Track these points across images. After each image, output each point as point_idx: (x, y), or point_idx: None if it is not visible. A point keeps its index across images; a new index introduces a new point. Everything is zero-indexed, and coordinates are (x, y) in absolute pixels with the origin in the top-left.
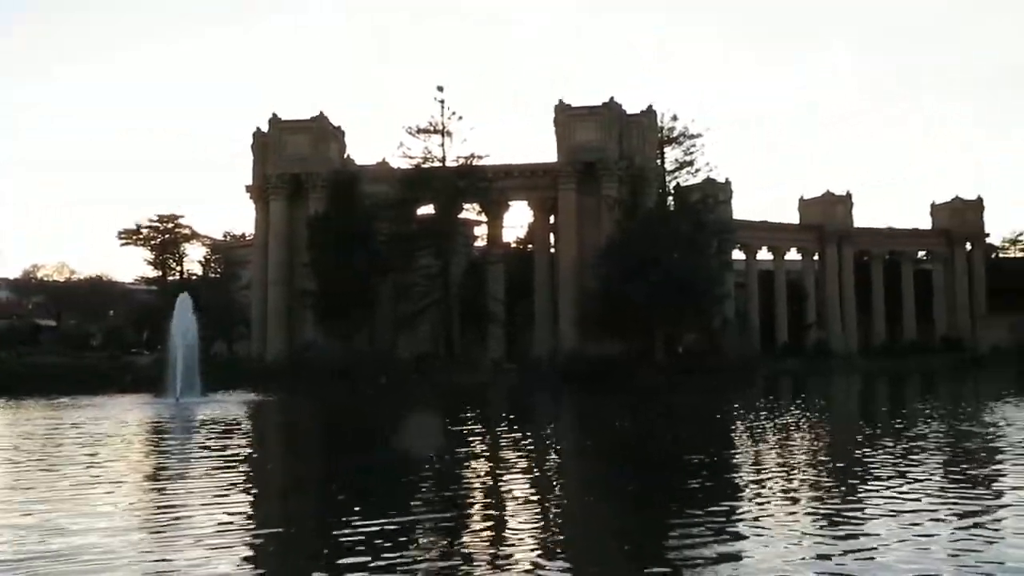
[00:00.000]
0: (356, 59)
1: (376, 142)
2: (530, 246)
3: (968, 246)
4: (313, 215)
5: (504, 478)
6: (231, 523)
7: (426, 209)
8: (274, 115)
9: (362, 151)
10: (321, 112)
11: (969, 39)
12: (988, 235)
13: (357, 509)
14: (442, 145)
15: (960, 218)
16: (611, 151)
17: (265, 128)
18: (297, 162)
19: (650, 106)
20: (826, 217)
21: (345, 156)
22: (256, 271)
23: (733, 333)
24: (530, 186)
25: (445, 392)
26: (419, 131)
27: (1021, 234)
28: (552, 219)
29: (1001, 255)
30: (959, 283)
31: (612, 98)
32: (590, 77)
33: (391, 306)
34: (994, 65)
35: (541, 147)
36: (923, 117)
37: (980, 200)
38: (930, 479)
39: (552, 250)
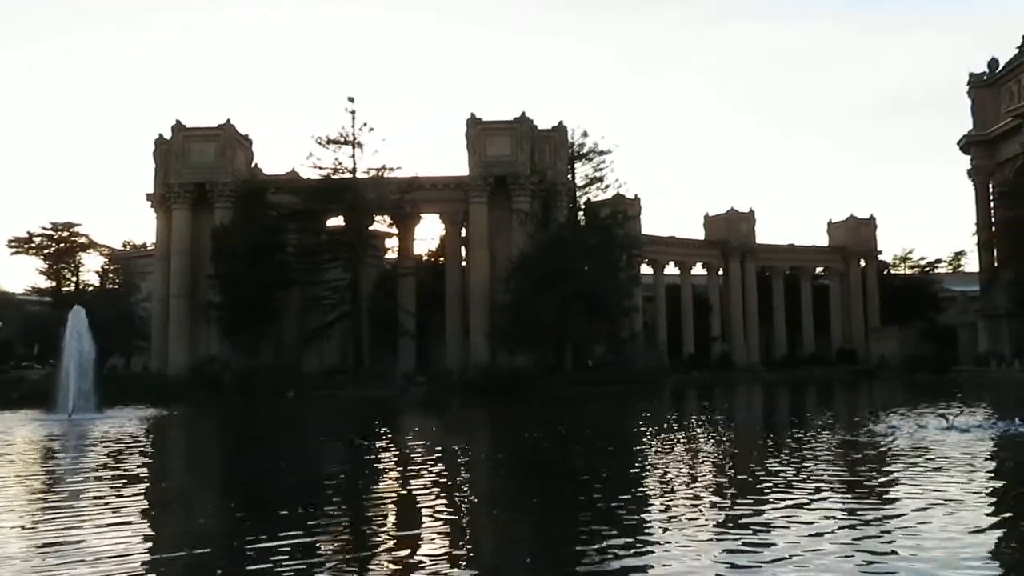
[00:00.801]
0: (266, 67)
1: (285, 152)
2: (442, 259)
3: (862, 262)
4: (219, 225)
5: (411, 490)
6: (126, 545)
7: (336, 221)
8: (178, 121)
9: (271, 161)
10: (228, 120)
11: (863, 64)
12: (881, 252)
13: (257, 526)
14: (353, 156)
15: (855, 236)
16: (522, 165)
17: (168, 135)
18: (202, 171)
19: (561, 122)
20: (730, 233)
21: (253, 165)
22: (157, 282)
23: (641, 346)
24: (442, 199)
25: (354, 405)
26: (329, 141)
27: (911, 251)
28: (464, 232)
29: (892, 271)
30: (854, 297)
31: (524, 113)
32: (502, 92)
33: (299, 319)
34: (885, 89)
35: (453, 160)
36: (821, 138)
37: (873, 219)
38: (825, 485)
39: (464, 263)
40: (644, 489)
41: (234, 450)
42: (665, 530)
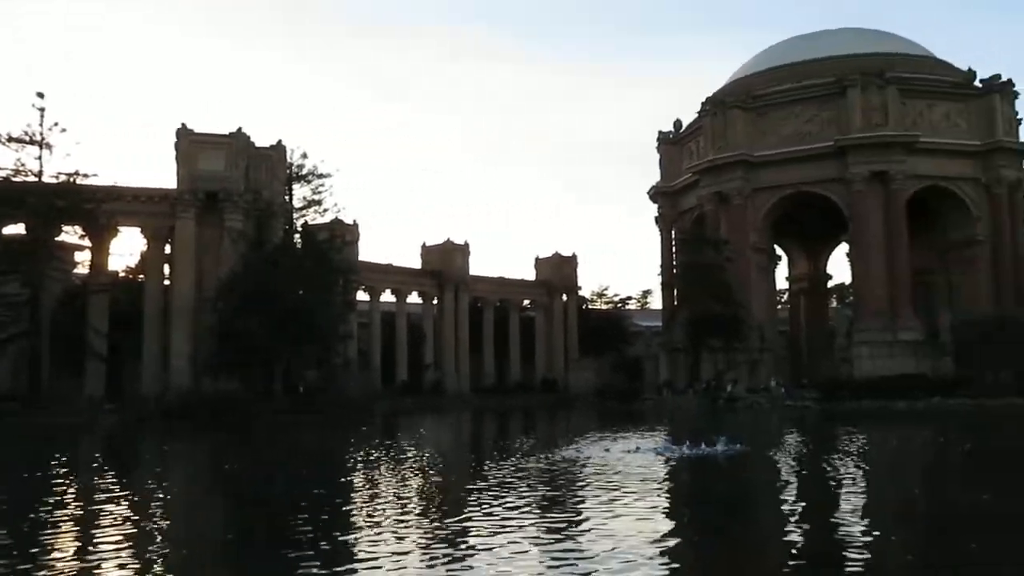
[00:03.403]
0: None
1: None
2: (142, 276)
3: (564, 297)
4: None
5: (94, 531)
6: None
7: (16, 228)
8: None
9: None
10: None
11: (584, 111)
12: (580, 288)
13: None
14: (39, 158)
15: (558, 272)
16: (236, 182)
17: None
18: None
19: (280, 141)
20: (445, 264)
21: None
22: None
23: (355, 372)
24: (144, 212)
25: (26, 435)
26: (10, 139)
27: (606, 288)
28: (169, 248)
29: (590, 306)
30: (556, 330)
31: (240, 128)
32: (219, 107)
33: None
34: (585, 138)
35: (164, 174)
36: (537, 177)
37: (575, 256)
38: (523, 505)
39: (167, 281)
40: (350, 517)
41: None
42: (371, 558)
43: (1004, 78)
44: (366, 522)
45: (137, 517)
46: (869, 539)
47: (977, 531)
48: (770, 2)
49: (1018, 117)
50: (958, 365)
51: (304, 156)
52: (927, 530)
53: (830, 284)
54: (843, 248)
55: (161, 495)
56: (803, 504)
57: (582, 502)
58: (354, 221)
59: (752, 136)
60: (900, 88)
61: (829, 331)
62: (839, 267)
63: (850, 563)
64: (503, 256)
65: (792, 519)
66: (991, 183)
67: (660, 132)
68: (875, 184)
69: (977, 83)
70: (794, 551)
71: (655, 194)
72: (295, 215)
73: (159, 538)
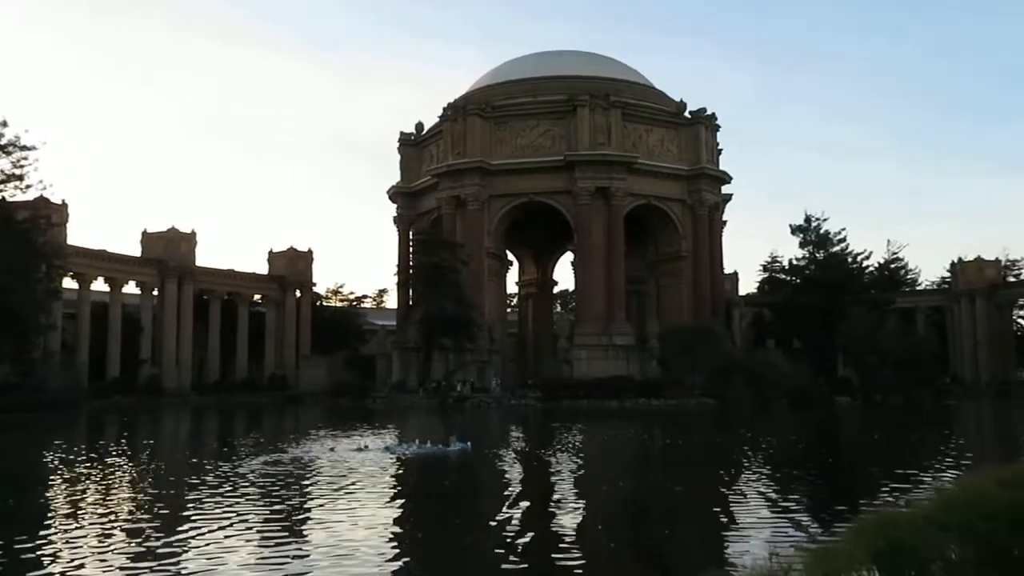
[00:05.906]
0: None
1: None
2: None
3: (298, 293)
4: None
5: None
6: None
7: None
8: None
9: None
10: None
11: (314, 108)
12: (316, 284)
13: None
14: None
15: (293, 267)
16: None
17: None
18: None
19: None
20: (169, 253)
21: None
22: None
23: (57, 367)
24: None
25: None
26: None
27: (342, 285)
28: None
29: (324, 303)
30: (288, 326)
31: None
32: None
33: None
34: (326, 133)
35: None
36: (273, 169)
37: (310, 252)
38: (243, 509)
39: None
40: (47, 526)
41: None
42: (73, 568)
43: (709, 111)
44: (66, 533)
45: None
46: (578, 527)
47: (671, 518)
48: (509, 18)
49: (719, 147)
50: (662, 369)
51: (4, 124)
52: (630, 518)
53: (556, 290)
54: (569, 256)
55: None
56: (523, 497)
57: (304, 500)
58: (63, 201)
59: (490, 144)
60: (623, 112)
61: (554, 334)
62: (565, 274)
63: (561, 551)
64: (236, 249)
65: (512, 511)
66: (695, 204)
67: (402, 133)
68: (598, 199)
69: (687, 114)
70: (511, 542)
71: (395, 194)
72: None
73: None
